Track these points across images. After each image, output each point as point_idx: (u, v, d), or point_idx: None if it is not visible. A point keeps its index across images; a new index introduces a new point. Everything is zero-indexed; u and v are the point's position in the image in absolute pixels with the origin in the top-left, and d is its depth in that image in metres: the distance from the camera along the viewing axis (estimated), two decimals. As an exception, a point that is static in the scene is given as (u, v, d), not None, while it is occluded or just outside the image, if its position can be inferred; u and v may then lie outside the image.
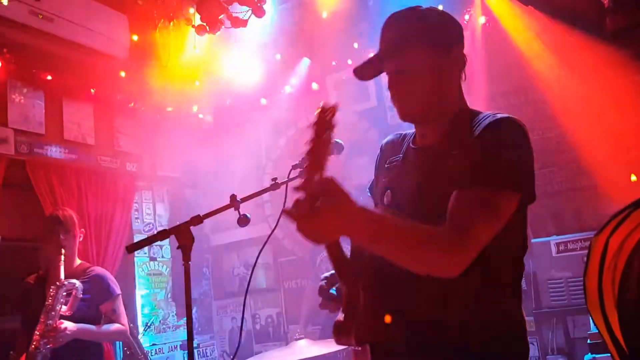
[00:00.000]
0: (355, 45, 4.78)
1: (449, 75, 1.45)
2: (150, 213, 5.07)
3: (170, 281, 5.08)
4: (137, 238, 4.87)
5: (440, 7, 1.60)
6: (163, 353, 4.85)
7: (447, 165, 1.34)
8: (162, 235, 1.91)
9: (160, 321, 4.87)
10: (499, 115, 1.35)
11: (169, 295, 5.04)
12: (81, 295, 2.77)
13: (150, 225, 5.02)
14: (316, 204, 1.07)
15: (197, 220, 1.97)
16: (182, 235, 1.90)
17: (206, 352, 5.24)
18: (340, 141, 1.85)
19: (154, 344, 4.74)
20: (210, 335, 5.34)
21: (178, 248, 1.91)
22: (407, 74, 1.42)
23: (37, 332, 2.64)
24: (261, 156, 5.40)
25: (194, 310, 5.18)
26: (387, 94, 1.50)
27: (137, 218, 4.91)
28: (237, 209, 2.09)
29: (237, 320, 5.37)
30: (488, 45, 4.26)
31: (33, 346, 2.61)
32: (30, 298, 2.91)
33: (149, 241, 1.89)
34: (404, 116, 1.49)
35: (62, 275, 2.75)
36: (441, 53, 1.43)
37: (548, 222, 4.01)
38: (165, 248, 5.07)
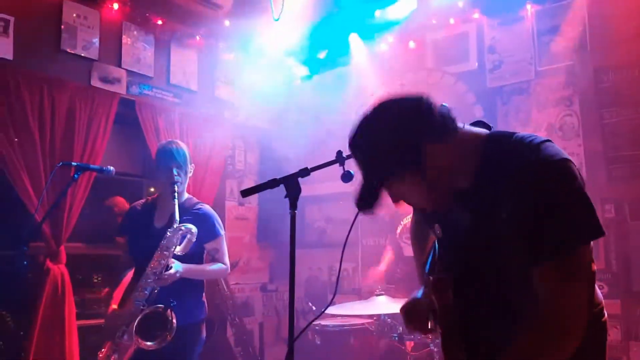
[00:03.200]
0: (460, 4, 4.62)
1: (437, 161, 1.31)
2: (242, 160, 5.28)
3: (256, 226, 5.31)
4: (229, 183, 5.11)
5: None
6: (245, 292, 5.13)
7: (496, 217, 1.29)
8: (272, 183, 1.99)
9: (244, 262, 5.14)
10: (544, 156, 1.25)
11: (253, 240, 5.28)
12: (195, 240, 2.77)
13: (241, 172, 5.23)
14: None
15: (305, 172, 2.04)
16: (291, 185, 1.97)
17: (283, 296, 5.49)
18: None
19: (237, 283, 5.02)
20: (287, 281, 5.56)
21: (286, 197, 1.99)
22: (401, 195, 1.39)
23: (149, 268, 2.69)
24: (351, 112, 5.41)
25: (274, 255, 5.45)
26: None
27: (229, 164, 5.13)
28: (342, 164, 2.13)
29: (313, 270, 5.56)
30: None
31: (143, 280, 2.68)
32: (136, 223, 2.96)
33: (259, 188, 1.99)
34: (435, 210, 1.46)
35: (177, 217, 2.74)
36: (411, 166, 1.31)
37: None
38: (253, 195, 5.24)
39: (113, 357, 2.66)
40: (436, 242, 1.60)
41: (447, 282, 1.45)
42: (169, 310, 2.64)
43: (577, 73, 4.13)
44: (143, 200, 3.09)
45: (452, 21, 4.78)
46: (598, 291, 1.42)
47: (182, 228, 2.74)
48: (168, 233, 2.74)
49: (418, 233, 1.82)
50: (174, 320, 2.64)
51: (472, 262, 1.41)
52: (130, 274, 2.92)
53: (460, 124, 1.37)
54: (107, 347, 2.68)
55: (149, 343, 2.61)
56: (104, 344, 2.71)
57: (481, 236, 1.36)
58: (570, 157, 1.29)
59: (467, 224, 1.38)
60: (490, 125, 1.46)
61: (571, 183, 1.24)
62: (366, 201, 1.36)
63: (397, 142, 1.31)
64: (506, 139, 1.35)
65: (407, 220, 4.33)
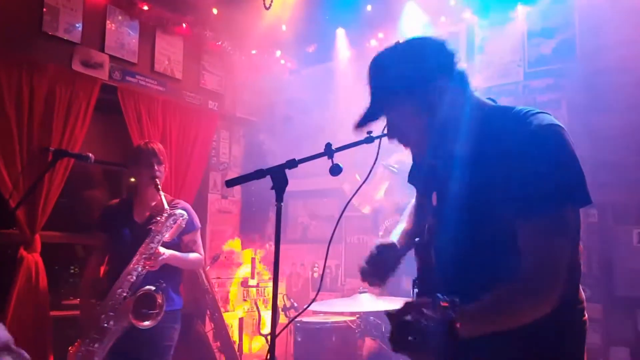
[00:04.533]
0: (452, 2, 4.59)
1: (445, 99, 1.40)
2: (226, 153, 5.19)
3: (238, 220, 5.24)
4: (212, 176, 5.02)
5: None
6: (225, 287, 5.06)
7: (491, 177, 1.34)
8: (258, 174, 1.93)
9: (225, 257, 5.06)
10: (537, 123, 1.31)
11: (235, 233, 5.21)
12: (184, 226, 2.96)
13: (225, 165, 5.15)
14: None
15: (292, 164, 1.98)
16: (277, 176, 1.92)
17: (264, 291, 5.42)
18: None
19: (218, 277, 4.95)
20: (269, 276, 5.51)
21: (272, 188, 1.93)
22: (400, 125, 1.47)
23: (137, 254, 2.83)
24: (339, 108, 5.36)
25: (255, 251, 5.39)
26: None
27: (213, 156, 5.04)
28: (330, 157, 2.08)
29: (296, 265, 5.51)
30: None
31: (132, 265, 2.81)
32: (115, 221, 3.05)
33: (245, 179, 1.93)
34: (422, 158, 1.55)
35: (166, 205, 2.92)
36: (420, 94, 1.40)
37: (633, 210, 3.82)
38: (236, 188, 5.19)
39: (90, 349, 2.71)
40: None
41: (429, 244, 1.50)
42: (159, 292, 2.80)
43: (566, 76, 4.13)
44: (117, 200, 3.23)
45: (443, 19, 4.75)
46: (581, 291, 1.43)
47: (175, 213, 2.92)
48: (161, 218, 2.89)
49: (415, 212, 1.83)
50: (163, 300, 2.80)
51: (466, 229, 1.42)
52: (93, 272, 3.03)
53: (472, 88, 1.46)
54: (78, 344, 2.74)
55: (146, 322, 2.76)
56: (79, 338, 2.76)
57: (476, 201, 1.38)
58: (562, 125, 1.33)
59: (464, 190, 1.41)
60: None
61: (561, 147, 1.29)
62: (365, 118, 1.45)
63: (417, 62, 1.40)
64: (506, 111, 1.42)
65: (388, 223, 4.29)
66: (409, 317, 1.11)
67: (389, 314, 1.17)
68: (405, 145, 1.50)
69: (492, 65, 4.51)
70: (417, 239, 1.56)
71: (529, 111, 1.35)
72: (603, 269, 3.79)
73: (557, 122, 1.33)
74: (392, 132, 1.49)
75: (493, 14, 4.53)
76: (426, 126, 1.40)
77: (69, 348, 2.75)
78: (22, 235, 3.51)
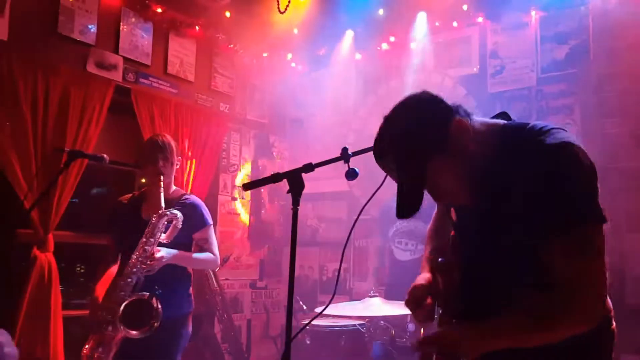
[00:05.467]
0: (465, 7, 4.59)
1: (464, 136, 1.35)
2: (237, 155, 5.21)
3: (248, 222, 5.25)
4: (222, 177, 5.04)
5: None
6: (234, 289, 5.07)
7: (513, 200, 1.31)
8: (275, 178, 1.95)
9: (234, 258, 5.07)
10: (550, 142, 1.28)
11: (244, 235, 5.22)
12: (180, 226, 2.75)
13: (235, 167, 5.16)
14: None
15: (309, 168, 1.99)
16: (294, 180, 1.93)
17: (272, 294, 5.43)
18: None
19: (227, 279, 4.96)
20: (277, 278, 5.52)
21: (288, 192, 1.94)
22: (439, 183, 1.39)
23: (134, 256, 2.67)
24: (348, 112, 5.37)
25: (265, 252, 5.39)
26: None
27: (224, 158, 5.06)
28: (347, 161, 2.09)
29: (304, 268, 5.51)
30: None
31: (129, 268, 2.66)
32: (123, 217, 2.95)
33: (263, 182, 1.94)
34: (464, 204, 1.48)
35: (163, 204, 2.75)
36: (446, 143, 1.34)
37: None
38: (246, 191, 5.21)
39: (97, 352, 2.61)
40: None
41: (453, 264, 1.47)
42: (154, 298, 2.61)
43: (579, 81, 4.11)
44: (130, 195, 3.07)
45: (455, 24, 4.75)
46: (609, 300, 1.39)
47: (167, 213, 2.73)
48: (152, 219, 2.72)
49: (439, 225, 1.79)
50: (159, 308, 2.61)
51: (483, 248, 1.41)
52: (112, 270, 2.89)
53: (476, 117, 1.42)
54: (92, 343, 2.63)
55: (134, 332, 2.58)
56: (88, 337, 2.67)
57: (494, 221, 1.37)
58: (580, 144, 1.30)
59: (482, 209, 1.39)
60: (511, 117, 1.49)
61: (579, 165, 1.26)
62: (409, 203, 1.35)
63: (427, 128, 1.35)
64: (521, 128, 1.38)
65: (400, 224, 4.28)
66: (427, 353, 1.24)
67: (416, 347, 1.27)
68: (448, 199, 1.48)
69: (505, 71, 4.50)
70: (440, 259, 1.53)
71: (542, 127, 1.33)
72: (615, 276, 3.75)
73: (572, 139, 1.30)
74: (435, 195, 1.43)
75: (506, 19, 4.52)
76: (464, 172, 1.36)
77: (83, 349, 2.66)
78: (36, 235, 3.54)
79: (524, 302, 1.24)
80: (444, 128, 1.33)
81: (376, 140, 1.41)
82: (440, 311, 1.47)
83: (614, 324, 1.41)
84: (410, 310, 1.56)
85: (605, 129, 3.91)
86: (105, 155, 2.91)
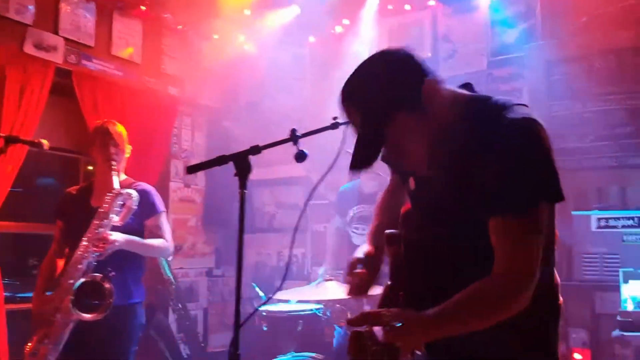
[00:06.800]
0: (417, -10, 4.58)
1: (435, 98, 1.33)
2: (189, 140, 5.08)
3: (202, 209, 5.15)
4: (174, 163, 4.91)
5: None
6: (189, 277, 4.97)
7: (471, 175, 1.30)
8: (220, 160, 1.87)
9: (188, 247, 4.97)
10: (510, 117, 1.27)
11: (199, 223, 5.12)
12: (135, 207, 2.71)
13: (187, 152, 5.04)
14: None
15: (256, 150, 1.93)
16: (241, 163, 1.87)
17: (229, 282, 5.36)
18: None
19: (181, 267, 4.85)
20: (234, 266, 5.44)
21: (235, 175, 1.88)
22: (399, 143, 1.36)
23: (84, 240, 2.61)
24: (305, 95, 5.31)
25: (221, 240, 5.31)
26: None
27: (175, 143, 4.93)
28: (295, 143, 2.04)
29: (262, 255, 5.46)
30: None
31: (79, 253, 2.60)
32: (73, 207, 2.89)
33: (208, 165, 1.86)
34: (421, 171, 1.44)
35: (117, 185, 2.69)
36: (415, 102, 1.32)
37: (592, 196, 3.91)
38: (200, 176, 5.12)
39: (44, 345, 2.54)
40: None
41: (398, 236, 1.45)
42: (106, 281, 2.57)
43: (528, 65, 4.18)
44: (78, 186, 3.04)
45: (407, 7, 4.74)
46: (557, 275, 1.42)
47: (122, 192, 2.68)
48: (106, 198, 2.66)
49: (388, 202, 1.76)
50: (112, 287, 2.57)
51: (439, 221, 1.39)
52: (60, 262, 2.82)
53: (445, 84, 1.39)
54: (37, 337, 2.55)
55: (88, 315, 2.54)
56: (33, 334, 2.59)
57: (450, 194, 1.35)
58: (540, 120, 1.29)
59: (440, 180, 1.37)
60: (474, 89, 1.46)
61: (534, 142, 1.25)
62: (366, 155, 1.32)
63: (396, 76, 1.32)
64: (484, 101, 1.36)
65: (357, 209, 4.27)
66: (363, 330, 1.21)
67: (348, 321, 1.23)
68: (406, 163, 1.43)
69: (456, 54, 4.53)
70: (387, 231, 1.50)
71: (504, 102, 1.32)
72: (562, 253, 3.88)
73: (532, 115, 1.29)
74: (394, 155, 1.40)
75: (457, 2, 4.54)
76: (429, 135, 1.33)
77: (25, 346, 2.58)
78: (-27, 226, 3.36)
79: (465, 287, 1.23)
80: (417, 84, 1.31)
81: (346, 82, 1.37)
82: (390, 283, 1.45)
83: (561, 298, 1.41)
84: (345, 282, 1.56)
85: (552, 111, 3.99)
86: (43, 141, 2.76)
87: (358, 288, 1.54)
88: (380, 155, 1.37)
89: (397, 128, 1.32)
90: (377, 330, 1.21)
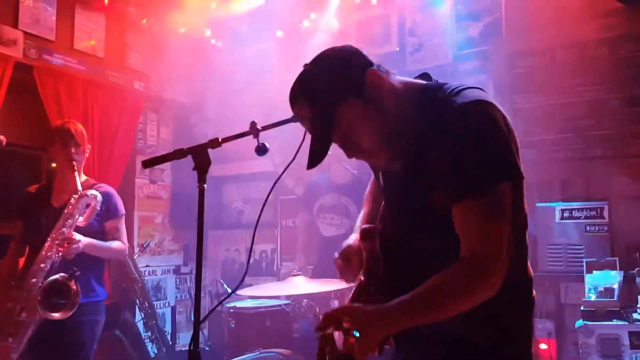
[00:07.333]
0: (383, -16, 4.58)
1: (383, 98, 1.34)
2: (154, 135, 5.00)
3: (169, 206, 5.07)
4: (139, 159, 4.82)
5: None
6: (156, 275, 4.90)
7: (427, 163, 1.30)
8: (178, 154, 1.84)
9: (155, 244, 4.89)
10: (460, 102, 1.27)
11: (166, 220, 5.04)
12: (99, 209, 2.76)
13: (153, 148, 4.96)
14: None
15: (216, 143, 1.90)
16: (199, 156, 1.84)
17: (198, 279, 5.30)
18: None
19: (147, 266, 4.78)
20: (203, 263, 5.38)
21: (194, 169, 1.85)
22: (352, 136, 1.36)
23: (49, 240, 2.64)
24: (271, 90, 5.26)
25: (188, 237, 5.23)
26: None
27: (140, 139, 4.84)
28: (256, 136, 2.01)
29: (230, 251, 5.41)
30: None
31: (43, 253, 2.63)
32: (32, 207, 2.89)
33: (165, 158, 1.83)
34: (381, 164, 1.47)
35: (80, 187, 2.73)
36: (362, 93, 1.33)
37: (556, 187, 3.98)
38: (167, 172, 5.04)
39: (6, 344, 2.56)
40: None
41: (373, 231, 1.45)
42: (72, 280, 2.59)
43: (492, 59, 4.22)
44: (37, 185, 3.04)
45: (374, 2, 4.74)
46: (529, 267, 1.42)
47: (87, 194, 2.72)
48: (72, 200, 2.70)
49: (373, 190, 1.74)
50: (78, 287, 2.60)
51: (404, 213, 1.39)
52: (9, 261, 2.87)
53: (396, 76, 1.40)
54: None
55: (55, 314, 2.57)
56: None
57: (411, 184, 1.35)
58: (492, 101, 1.29)
59: (400, 171, 1.37)
60: (433, 77, 1.45)
61: (498, 125, 1.25)
62: (319, 146, 1.33)
63: (338, 70, 1.34)
64: (438, 89, 1.36)
65: (324, 199, 4.25)
66: (326, 334, 1.22)
67: (316, 328, 1.23)
68: (362, 156, 1.42)
69: (422, 48, 4.54)
70: (363, 226, 1.51)
71: (455, 88, 1.31)
72: (530, 245, 3.93)
73: (483, 97, 1.28)
74: (348, 147, 1.38)
75: (423, -4, 4.56)
76: (380, 125, 1.33)
77: None
78: None
79: (432, 276, 1.22)
80: (359, 73, 1.32)
81: (292, 86, 1.39)
82: (363, 278, 1.45)
83: (534, 291, 1.41)
84: (338, 268, 1.55)
85: (516, 104, 4.04)
86: (1, 137, 2.71)
87: (354, 277, 1.55)
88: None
89: (345, 117, 1.32)
90: (338, 337, 1.22)
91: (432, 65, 4.46)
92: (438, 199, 1.26)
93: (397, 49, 4.66)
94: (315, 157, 1.33)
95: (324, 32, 4.84)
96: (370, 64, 1.36)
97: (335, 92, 1.32)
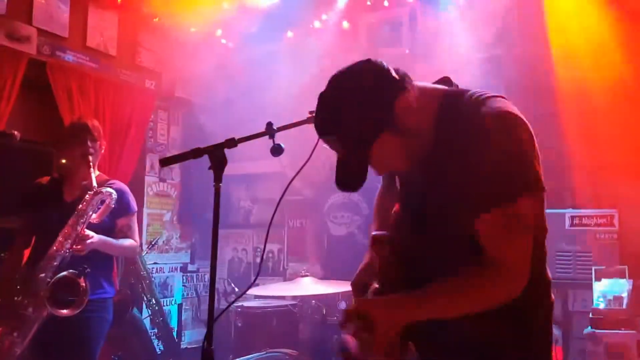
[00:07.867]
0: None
1: (409, 113, 1.30)
2: (164, 134, 5.02)
3: (178, 204, 5.09)
4: (149, 157, 4.84)
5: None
6: (163, 272, 4.91)
7: (449, 174, 1.30)
8: (195, 153, 1.84)
9: (163, 242, 4.91)
10: (485, 111, 1.25)
11: (174, 218, 5.06)
12: (113, 206, 2.73)
13: (163, 147, 4.97)
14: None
15: (232, 143, 1.90)
16: (216, 156, 1.84)
17: (204, 277, 5.31)
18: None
19: (155, 263, 4.79)
20: (209, 261, 5.39)
21: (210, 169, 1.85)
22: (384, 161, 1.36)
23: (61, 237, 2.60)
24: (281, 90, 5.27)
25: (196, 235, 5.25)
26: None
27: (150, 137, 4.86)
28: (272, 137, 2.02)
29: (237, 251, 5.42)
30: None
31: (54, 249, 2.59)
32: (43, 199, 2.86)
33: (182, 157, 1.83)
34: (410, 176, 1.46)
35: (95, 183, 2.69)
36: (392, 122, 1.29)
37: (566, 195, 3.97)
38: (175, 171, 5.06)
39: (10, 338, 2.52)
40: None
41: (387, 238, 1.47)
42: (82, 277, 2.56)
43: (504, 63, 4.21)
44: (48, 177, 2.99)
45: (386, 4, 4.75)
46: (548, 271, 1.41)
47: (102, 191, 2.69)
48: (87, 196, 2.66)
49: (383, 201, 1.74)
50: (86, 286, 2.56)
51: (424, 221, 1.39)
52: (15, 252, 2.83)
53: (418, 82, 1.37)
54: (2, 330, 2.52)
55: (63, 311, 2.54)
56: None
57: (434, 194, 1.35)
58: (517, 112, 1.28)
59: (423, 180, 1.37)
60: (452, 82, 1.44)
61: (509, 135, 1.23)
62: (355, 177, 1.32)
63: (368, 104, 1.28)
64: (460, 95, 1.34)
65: (333, 198, 4.26)
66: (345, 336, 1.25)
67: (339, 324, 1.26)
68: (392, 173, 1.46)
69: (433, 51, 4.53)
70: (374, 233, 1.51)
71: (480, 96, 1.29)
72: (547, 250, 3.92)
73: (509, 107, 1.27)
74: (379, 169, 1.39)
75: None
76: (411, 147, 1.33)
77: None
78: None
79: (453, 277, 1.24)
80: (390, 104, 1.28)
81: (318, 116, 1.34)
82: (376, 285, 1.46)
83: (553, 296, 1.41)
84: (354, 295, 1.54)
85: (535, 110, 4.03)
86: (15, 132, 2.71)
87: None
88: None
89: (378, 151, 1.31)
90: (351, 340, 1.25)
91: (441, 68, 4.45)
92: (463, 208, 1.26)
93: (407, 51, 4.66)
94: (351, 184, 1.34)
95: (334, 33, 4.86)
96: (398, 86, 1.30)
97: (368, 133, 1.29)
